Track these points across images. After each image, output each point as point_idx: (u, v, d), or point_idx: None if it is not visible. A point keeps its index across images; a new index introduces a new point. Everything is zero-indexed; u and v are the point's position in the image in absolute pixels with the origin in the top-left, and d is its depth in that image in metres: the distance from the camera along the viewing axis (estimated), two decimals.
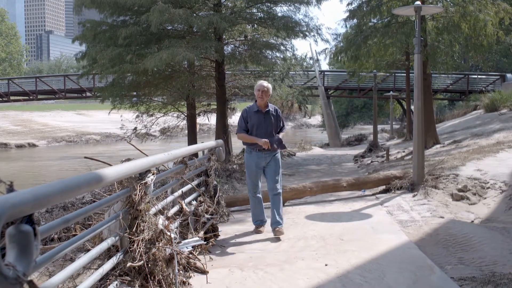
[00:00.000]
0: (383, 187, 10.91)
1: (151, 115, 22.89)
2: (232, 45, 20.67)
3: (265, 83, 7.44)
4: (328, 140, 41.95)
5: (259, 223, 7.66)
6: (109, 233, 4.18)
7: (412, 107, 16.59)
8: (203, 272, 5.42)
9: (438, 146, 18.77)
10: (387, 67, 25.35)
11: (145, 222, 4.42)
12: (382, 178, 11.17)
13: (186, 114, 22.00)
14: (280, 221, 7.33)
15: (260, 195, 7.70)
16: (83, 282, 3.57)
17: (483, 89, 35.49)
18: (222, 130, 19.44)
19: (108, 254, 4.20)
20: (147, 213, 4.46)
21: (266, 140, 7.28)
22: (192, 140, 20.90)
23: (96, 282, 3.80)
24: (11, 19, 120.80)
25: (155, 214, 4.74)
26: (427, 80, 19.27)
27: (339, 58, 21.76)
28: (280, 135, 7.57)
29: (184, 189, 6.67)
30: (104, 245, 3.98)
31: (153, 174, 4.64)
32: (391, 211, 8.69)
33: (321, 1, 18.96)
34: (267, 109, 7.48)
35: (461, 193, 9.62)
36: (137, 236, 4.30)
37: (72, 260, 4.34)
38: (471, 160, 12.09)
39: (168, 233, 4.73)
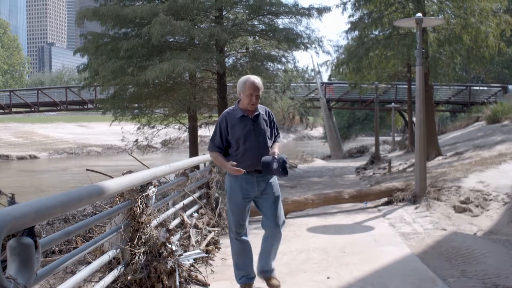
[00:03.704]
0: (385, 199, 10.88)
1: (153, 127, 22.92)
2: (234, 57, 20.72)
3: (256, 80, 5.10)
4: (330, 152, 41.93)
5: (245, 281, 5.23)
6: (110, 245, 4.17)
7: (414, 119, 16.60)
8: (205, 284, 5.40)
9: (440, 158, 18.74)
10: (388, 79, 25.38)
11: (146, 235, 4.41)
12: (384, 190, 11.14)
13: (187, 126, 22.01)
14: (273, 266, 5.24)
15: (247, 238, 5.30)
16: None
17: (485, 100, 35.47)
18: None
19: (109, 266, 4.20)
20: (148, 225, 4.46)
21: (234, 167, 4.97)
22: (193, 152, 20.88)
23: None
24: (13, 31, 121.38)
25: (157, 227, 4.74)
26: (429, 91, 19.30)
27: (341, 70, 21.81)
28: (276, 148, 5.21)
29: (186, 201, 6.67)
30: (105, 258, 3.97)
31: (154, 187, 4.64)
32: (393, 224, 8.66)
33: (322, 13, 19.06)
34: (257, 113, 5.17)
35: (463, 205, 9.59)
36: (138, 249, 4.29)
37: (73, 272, 4.32)
38: (473, 172, 12.05)
39: (170, 246, 4.72)
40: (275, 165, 4.91)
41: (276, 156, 4.97)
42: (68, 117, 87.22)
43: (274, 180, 5.26)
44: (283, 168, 4.92)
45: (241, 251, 5.23)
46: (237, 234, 5.21)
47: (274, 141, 5.31)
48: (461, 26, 17.74)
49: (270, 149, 5.16)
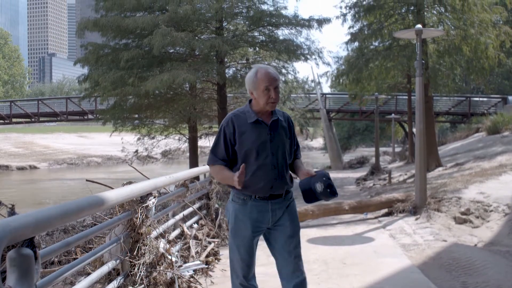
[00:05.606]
0: (386, 210, 10.86)
1: (153, 138, 22.97)
2: (234, 68, 20.79)
3: (270, 69, 3.73)
4: (330, 163, 41.90)
5: None
6: (110, 256, 4.16)
7: (414, 130, 16.61)
8: None
9: (440, 169, 18.72)
10: (388, 90, 25.34)
11: (146, 246, 4.40)
12: (384, 201, 11.12)
13: (187, 137, 22.04)
14: None
15: (255, 284, 3.91)
16: None
17: (485, 111, 35.48)
18: None
19: (108, 277, 4.18)
20: (148, 236, 4.44)
21: (237, 176, 3.50)
22: (193, 163, 20.89)
23: None
24: (14, 42, 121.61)
25: (156, 238, 4.72)
26: (429, 102, 19.30)
27: (341, 80, 21.81)
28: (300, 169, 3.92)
29: (186, 212, 6.66)
30: (104, 269, 3.95)
31: (154, 197, 4.63)
32: (393, 235, 8.64)
33: (322, 25, 19.15)
34: (275, 118, 3.74)
35: (464, 216, 9.57)
36: (138, 260, 4.28)
37: (72, 284, 4.31)
38: (473, 183, 12.03)
39: (169, 257, 4.70)
40: (318, 187, 3.67)
41: (314, 174, 3.75)
42: (69, 127, 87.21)
43: (293, 207, 3.97)
44: (331, 189, 3.67)
45: None
46: (243, 279, 3.79)
47: (295, 158, 3.98)
48: (461, 37, 17.78)
49: (289, 168, 3.91)
